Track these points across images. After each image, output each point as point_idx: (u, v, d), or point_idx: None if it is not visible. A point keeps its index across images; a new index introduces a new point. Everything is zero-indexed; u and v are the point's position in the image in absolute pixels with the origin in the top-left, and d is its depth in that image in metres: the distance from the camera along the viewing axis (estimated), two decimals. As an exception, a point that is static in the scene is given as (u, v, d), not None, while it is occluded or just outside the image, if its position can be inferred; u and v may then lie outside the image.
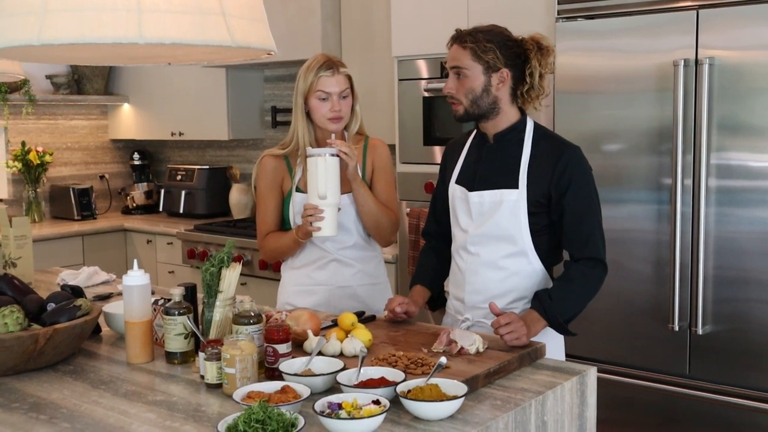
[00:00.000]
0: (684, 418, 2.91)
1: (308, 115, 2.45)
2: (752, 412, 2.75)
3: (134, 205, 5.57)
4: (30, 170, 5.08)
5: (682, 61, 2.79)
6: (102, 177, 5.66)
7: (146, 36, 1.39)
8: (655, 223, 2.94)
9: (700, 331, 2.82)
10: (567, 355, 2.27)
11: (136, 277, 1.99)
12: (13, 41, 1.40)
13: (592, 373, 1.91)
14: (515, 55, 2.15)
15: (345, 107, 2.41)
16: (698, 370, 2.86)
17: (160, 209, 5.54)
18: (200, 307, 2.09)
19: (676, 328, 2.87)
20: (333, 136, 2.37)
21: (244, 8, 1.54)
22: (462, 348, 1.91)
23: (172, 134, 5.25)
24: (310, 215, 2.28)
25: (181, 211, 5.29)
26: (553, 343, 2.15)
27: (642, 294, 2.97)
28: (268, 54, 1.68)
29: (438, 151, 3.71)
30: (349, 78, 2.43)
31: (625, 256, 2.96)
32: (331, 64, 2.39)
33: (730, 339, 2.79)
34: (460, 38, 2.17)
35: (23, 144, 5.07)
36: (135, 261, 2.07)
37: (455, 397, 1.58)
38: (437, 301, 2.45)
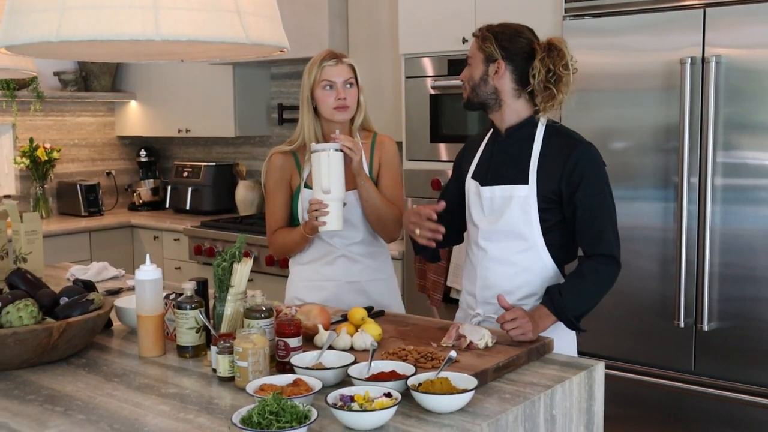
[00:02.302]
0: (689, 414, 2.93)
1: (315, 110, 2.47)
2: (757, 408, 2.77)
3: (140, 201, 5.59)
4: (37, 167, 5.11)
5: (689, 59, 2.80)
6: (108, 173, 5.68)
7: (163, 33, 1.41)
8: (662, 220, 2.95)
9: (705, 328, 2.84)
10: (574, 352, 2.29)
11: (148, 272, 2.02)
12: (32, 37, 1.42)
13: (599, 368, 1.93)
14: (520, 52, 2.17)
15: (350, 96, 2.44)
16: (704, 366, 2.88)
17: (167, 206, 5.57)
18: (211, 302, 2.12)
19: (682, 325, 2.89)
20: (337, 131, 2.39)
21: (259, 6, 1.56)
22: (471, 342, 1.94)
23: (179, 131, 5.28)
24: (316, 210, 2.30)
25: (188, 207, 5.32)
26: (565, 339, 2.17)
27: (648, 291, 2.99)
28: (281, 51, 1.70)
29: (444, 149, 3.73)
30: (353, 68, 2.46)
31: (632, 253, 2.97)
32: (334, 55, 2.45)
33: (736, 336, 2.81)
34: (478, 29, 2.25)
35: (31, 140, 5.10)
36: (147, 256, 2.09)
37: (465, 391, 1.60)
38: (429, 250, 2.35)
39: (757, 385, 2.77)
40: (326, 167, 2.28)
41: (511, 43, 2.17)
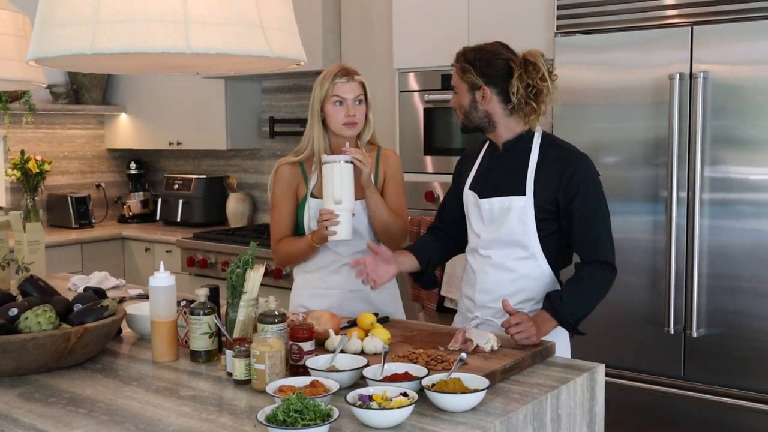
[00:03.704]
0: (679, 419, 3.02)
1: (323, 122, 2.53)
2: (744, 412, 2.86)
3: (130, 214, 5.62)
4: (28, 179, 5.12)
5: (678, 75, 2.91)
6: (98, 186, 5.70)
7: (193, 46, 1.47)
8: (652, 233, 3.05)
9: (694, 334, 2.93)
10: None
11: (162, 279, 2.06)
12: (67, 50, 1.48)
13: (600, 370, 2.01)
14: (500, 74, 2.24)
15: (359, 113, 2.51)
16: (693, 371, 2.97)
17: (157, 218, 5.59)
18: (222, 308, 2.17)
19: (672, 332, 2.97)
20: (347, 144, 2.46)
21: (280, 20, 1.63)
22: (477, 346, 2.00)
23: (170, 144, 5.32)
24: (326, 220, 2.36)
25: (179, 219, 5.35)
26: (560, 344, 2.24)
27: (639, 299, 3.08)
28: (297, 64, 1.77)
29: (438, 161, 3.81)
30: (363, 85, 2.53)
31: (624, 263, 3.01)
32: (346, 72, 2.51)
33: (723, 342, 2.90)
34: (456, 58, 2.32)
35: (22, 153, 5.11)
36: (161, 263, 2.14)
37: (477, 390, 1.66)
38: (423, 278, 2.49)
39: (744, 390, 2.87)
40: (338, 178, 2.35)
41: (489, 68, 2.25)
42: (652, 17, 3.03)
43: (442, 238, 2.51)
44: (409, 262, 2.41)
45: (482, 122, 2.30)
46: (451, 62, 2.34)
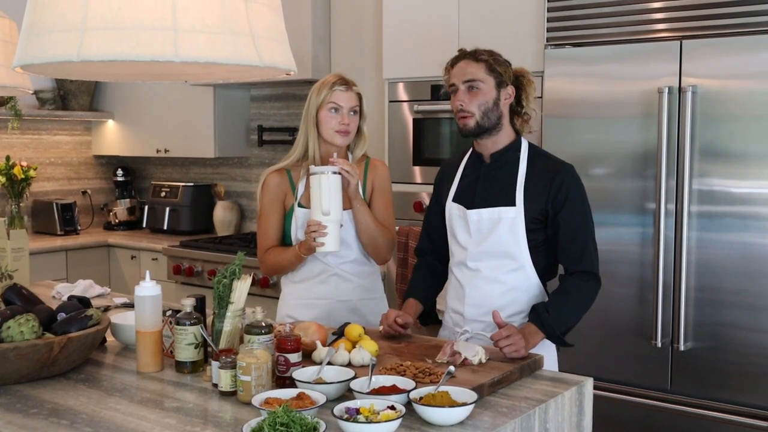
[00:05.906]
0: (666, 433, 3.01)
1: (316, 128, 2.52)
2: (730, 426, 2.86)
3: (117, 221, 5.57)
4: (13, 185, 5.07)
5: (666, 89, 2.91)
6: (84, 192, 5.66)
7: (181, 55, 1.45)
8: (640, 245, 3.05)
9: (681, 348, 2.93)
10: (556, 371, 2.35)
11: (148, 288, 2.04)
12: (53, 57, 1.46)
13: (588, 384, 2.00)
14: (515, 78, 2.31)
15: (353, 123, 2.51)
16: (679, 384, 2.97)
17: (144, 225, 5.55)
18: (208, 319, 2.15)
19: (659, 345, 2.97)
20: (335, 154, 2.44)
21: (270, 29, 1.62)
22: (466, 359, 1.99)
23: (158, 151, 5.29)
24: (314, 231, 2.35)
25: (165, 227, 5.31)
26: (547, 357, 2.23)
27: (627, 312, 3.08)
28: (287, 74, 1.75)
29: (427, 172, 3.80)
30: (360, 97, 2.53)
31: (612, 275, 3.05)
32: (345, 81, 2.52)
33: (710, 355, 2.90)
34: (473, 54, 2.28)
35: (8, 158, 5.06)
36: (147, 272, 2.11)
37: (465, 404, 1.65)
38: (428, 317, 2.52)
39: (730, 403, 2.86)
40: (326, 189, 2.33)
41: (511, 70, 2.30)
42: (642, 31, 3.04)
43: (432, 265, 2.50)
44: (416, 309, 2.43)
45: (495, 123, 2.26)
46: (450, 63, 2.31)
